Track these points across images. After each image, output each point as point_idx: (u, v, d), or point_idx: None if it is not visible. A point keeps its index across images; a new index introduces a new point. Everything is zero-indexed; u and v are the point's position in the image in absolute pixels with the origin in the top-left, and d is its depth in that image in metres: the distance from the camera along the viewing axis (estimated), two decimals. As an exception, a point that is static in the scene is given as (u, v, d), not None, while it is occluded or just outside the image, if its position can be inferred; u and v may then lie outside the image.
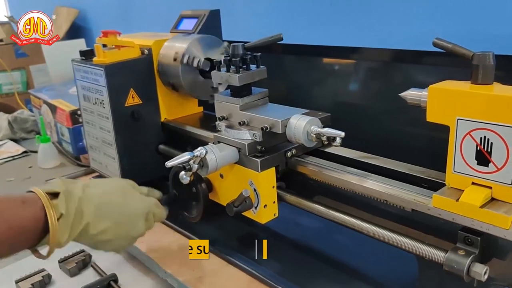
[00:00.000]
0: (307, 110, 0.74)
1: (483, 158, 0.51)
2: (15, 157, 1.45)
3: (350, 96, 0.98)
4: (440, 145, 0.75)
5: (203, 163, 0.69)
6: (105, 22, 2.03)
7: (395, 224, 0.64)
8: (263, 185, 0.70)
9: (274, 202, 0.73)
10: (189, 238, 0.83)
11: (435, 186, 0.59)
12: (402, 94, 0.60)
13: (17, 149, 1.50)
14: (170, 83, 0.93)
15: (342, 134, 0.63)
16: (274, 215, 0.73)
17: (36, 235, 0.60)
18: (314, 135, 0.66)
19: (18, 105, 1.88)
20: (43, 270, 0.82)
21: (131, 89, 0.92)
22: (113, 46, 0.94)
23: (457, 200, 0.52)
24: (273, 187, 0.72)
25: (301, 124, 0.66)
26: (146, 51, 0.94)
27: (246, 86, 0.74)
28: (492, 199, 0.52)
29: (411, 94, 0.59)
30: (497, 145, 0.50)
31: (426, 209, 0.56)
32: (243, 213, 0.73)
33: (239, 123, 0.72)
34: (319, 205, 0.70)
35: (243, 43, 0.75)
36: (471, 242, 0.52)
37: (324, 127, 0.66)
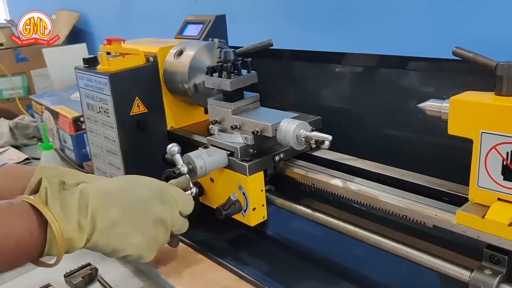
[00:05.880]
0: (297, 114, 0.75)
1: (509, 173, 0.49)
2: (15, 163, 1.43)
3: (359, 102, 0.96)
4: (454, 154, 0.74)
5: (192, 167, 0.71)
6: (106, 26, 2.01)
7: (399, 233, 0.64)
8: (252, 188, 0.72)
9: (262, 205, 0.74)
10: (200, 252, 0.81)
11: (456, 200, 0.57)
12: (421, 105, 0.58)
13: (19, 156, 1.48)
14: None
15: (330, 137, 0.64)
16: (263, 217, 0.75)
17: (36, 244, 0.56)
18: (303, 139, 0.67)
19: (19, 110, 1.86)
20: (48, 286, 0.79)
21: (136, 97, 0.89)
22: (117, 54, 0.92)
23: (483, 217, 0.50)
24: (262, 190, 0.74)
25: (290, 128, 0.67)
26: (151, 59, 0.91)
27: (237, 90, 0.76)
28: (520, 216, 0.49)
29: (430, 106, 0.57)
30: (524, 160, 0.48)
31: (449, 226, 0.53)
32: (232, 216, 0.74)
33: (231, 127, 0.74)
34: (307, 209, 0.72)
35: (234, 49, 0.76)
36: (497, 261, 0.50)
37: (313, 130, 0.68)
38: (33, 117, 1.68)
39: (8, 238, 0.54)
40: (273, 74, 1.02)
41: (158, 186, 0.68)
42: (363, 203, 0.64)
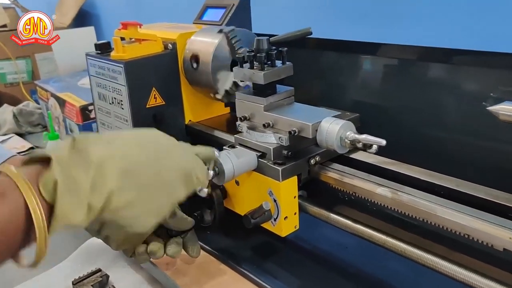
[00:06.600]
0: (338, 112, 0.67)
1: None
2: (21, 154, 1.36)
3: (395, 98, 0.88)
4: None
5: (219, 170, 0.64)
6: (114, 8, 1.92)
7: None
8: (284, 195, 0.64)
9: (295, 214, 0.67)
10: (223, 261, 0.74)
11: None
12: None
13: (23, 145, 1.41)
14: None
15: (383, 142, 0.55)
16: (295, 227, 0.68)
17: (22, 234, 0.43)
18: (349, 141, 0.59)
19: (23, 95, 1.78)
20: (55, 294, 0.73)
21: (154, 88, 0.82)
22: (132, 39, 0.84)
23: None
24: (295, 197, 0.66)
25: (334, 129, 0.59)
26: (170, 46, 0.83)
27: (270, 84, 0.67)
28: None
29: (504, 109, 0.49)
30: None
31: (527, 252, 0.46)
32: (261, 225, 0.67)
33: (264, 125, 0.65)
34: (350, 221, 0.64)
35: (268, 37, 0.68)
36: None
37: (361, 133, 0.59)
38: (38, 103, 1.60)
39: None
40: (298, 64, 0.94)
41: (188, 168, 0.57)
42: (415, 217, 0.56)
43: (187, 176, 0.56)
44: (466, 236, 0.51)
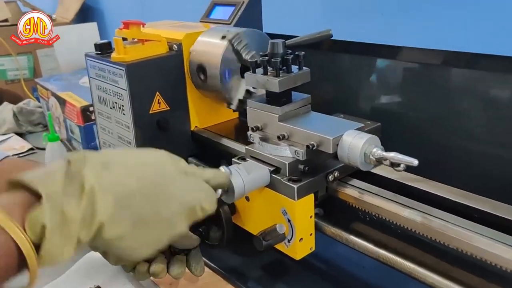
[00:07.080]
0: (361, 124, 0.60)
1: None
2: (20, 155, 1.31)
3: (417, 106, 0.82)
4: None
5: (227, 188, 0.58)
6: (119, 3, 1.86)
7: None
8: (300, 215, 0.59)
9: (311, 234, 0.61)
10: (230, 281, 0.68)
11: None
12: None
13: (22, 145, 1.36)
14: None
15: (416, 162, 0.50)
16: (311, 249, 0.62)
17: (13, 266, 0.41)
18: (374, 159, 0.52)
19: (24, 93, 1.73)
20: (50, 314, 0.67)
21: (157, 92, 0.76)
22: (135, 40, 0.78)
23: None
24: (311, 217, 0.60)
25: (357, 144, 0.53)
26: (175, 47, 0.77)
27: (286, 92, 0.61)
28: None
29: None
30: None
31: None
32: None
33: (278, 137, 0.59)
34: (372, 244, 0.58)
35: (283, 40, 0.61)
36: None
37: (383, 144, 0.54)
38: (39, 100, 1.55)
39: None
40: (311, 67, 0.88)
41: (192, 201, 0.51)
42: (447, 244, 0.50)
43: (191, 209, 0.51)
44: (509, 271, 0.45)
